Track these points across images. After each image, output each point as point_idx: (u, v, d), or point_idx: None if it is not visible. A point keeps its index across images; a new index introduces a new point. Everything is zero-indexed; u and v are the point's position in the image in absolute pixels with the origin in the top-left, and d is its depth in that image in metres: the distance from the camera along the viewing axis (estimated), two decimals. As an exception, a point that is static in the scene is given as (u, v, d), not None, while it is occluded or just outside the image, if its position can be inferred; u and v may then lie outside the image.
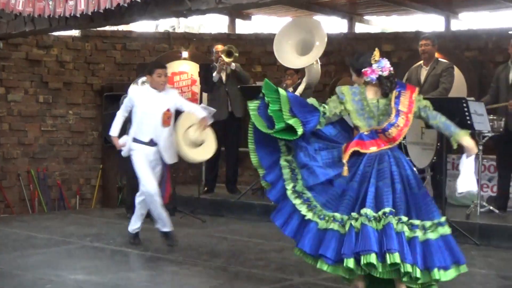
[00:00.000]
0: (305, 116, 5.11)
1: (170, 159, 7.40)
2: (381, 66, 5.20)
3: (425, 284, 4.89)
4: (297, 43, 9.95)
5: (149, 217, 9.36)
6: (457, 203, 9.13)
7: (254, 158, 5.35)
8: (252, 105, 5.29)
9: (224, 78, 10.08)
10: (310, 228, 5.04)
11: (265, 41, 11.36)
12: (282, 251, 7.21)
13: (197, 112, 7.41)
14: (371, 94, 5.23)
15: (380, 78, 5.17)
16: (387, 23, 13.85)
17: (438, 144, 8.35)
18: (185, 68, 11.84)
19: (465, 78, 9.98)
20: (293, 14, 12.37)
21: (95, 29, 11.36)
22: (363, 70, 5.22)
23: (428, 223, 4.90)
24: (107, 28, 11.71)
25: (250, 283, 5.78)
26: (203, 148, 7.50)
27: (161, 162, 7.38)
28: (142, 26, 12.94)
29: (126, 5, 7.68)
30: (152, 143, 7.27)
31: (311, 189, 5.13)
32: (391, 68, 5.23)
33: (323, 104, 5.24)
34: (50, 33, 10.86)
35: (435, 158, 8.49)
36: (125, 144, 7.37)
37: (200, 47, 12.31)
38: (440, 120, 5.20)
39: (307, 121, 5.08)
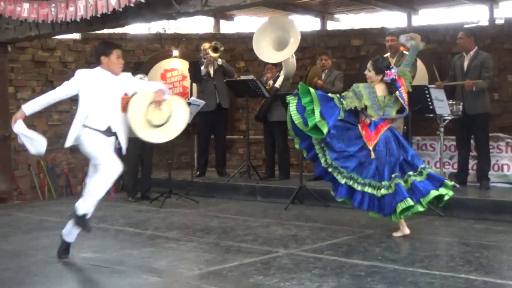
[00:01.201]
0: (329, 116, 6.33)
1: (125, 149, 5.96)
2: (394, 71, 6.49)
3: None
4: (273, 40, 9.95)
5: (146, 198, 9.38)
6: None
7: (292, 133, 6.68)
8: (292, 105, 6.48)
9: (212, 72, 10.06)
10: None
11: (247, 39, 11.30)
12: (268, 227, 7.21)
13: (151, 87, 6.02)
14: (380, 91, 6.47)
15: (392, 79, 6.43)
16: (355, 21, 13.81)
17: (405, 127, 8.35)
18: (176, 65, 11.78)
19: (426, 68, 9.98)
20: (271, 14, 12.31)
21: (93, 32, 11.28)
22: (386, 72, 6.46)
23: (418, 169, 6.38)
24: (105, 31, 11.60)
25: (240, 256, 5.76)
26: (169, 126, 5.96)
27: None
28: (136, 28, 12.85)
29: (121, 9, 7.64)
30: (110, 132, 5.81)
31: (336, 159, 6.42)
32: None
33: (341, 99, 6.43)
34: (53, 37, 10.77)
35: (402, 139, 8.51)
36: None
37: (188, 46, 12.24)
38: (408, 64, 6.94)
39: (330, 120, 6.31)
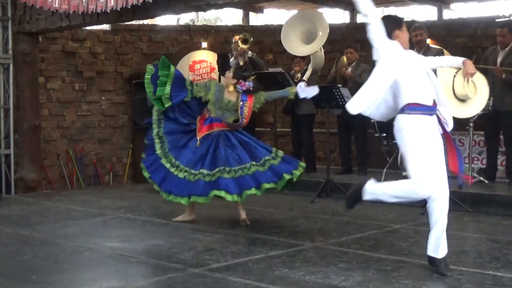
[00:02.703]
0: (176, 94, 6.77)
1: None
2: (250, 85, 6.91)
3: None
4: (302, 33, 9.92)
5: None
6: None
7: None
8: (148, 73, 6.89)
9: (241, 63, 10.03)
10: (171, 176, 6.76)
11: (276, 32, 11.28)
12: (294, 220, 7.22)
13: (452, 61, 5.43)
14: (228, 94, 6.91)
15: (244, 90, 6.87)
16: (385, 14, 13.75)
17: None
18: (205, 57, 11.81)
19: (456, 63, 9.88)
20: (300, 7, 12.29)
21: (123, 23, 11.34)
22: (240, 80, 6.87)
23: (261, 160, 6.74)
24: (134, 22, 11.70)
25: (266, 248, 5.78)
26: (475, 101, 5.88)
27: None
28: (165, 19, 12.91)
29: (151, 1, 7.67)
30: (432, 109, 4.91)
31: (171, 149, 6.88)
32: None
33: (194, 85, 6.94)
34: (83, 28, 10.86)
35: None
36: None
37: (217, 38, 12.26)
38: (270, 97, 7.22)
39: (175, 97, 6.78)
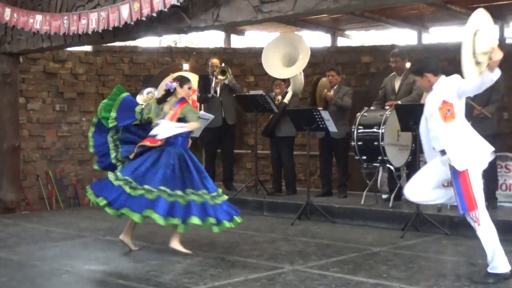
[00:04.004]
0: (121, 117, 6.59)
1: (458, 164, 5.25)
2: (174, 85, 6.55)
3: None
4: (283, 56, 9.98)
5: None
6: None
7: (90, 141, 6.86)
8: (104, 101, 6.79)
9: (218, 90, 10.08)
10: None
11: (257, 54, 11.37)
12: (274, 242, 7.20)
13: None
14: (166, 107, 6.58)
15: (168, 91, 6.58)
16: (366, 37, 13.88)
17: (413, 145, 8.35)
18: (186, 79, 11.81)
19: (435, 86, 9.97)
20: (282, 29, 12.37)
21: (105, 45, 11.35)
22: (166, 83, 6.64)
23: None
24: (116, 43, 11.71)
25: (246, 271, 5.75)
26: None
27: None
28: (147, 41, 12.94)
29: (132, 23, 7.69)
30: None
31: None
32: None
33: (143, 109, 6.65)
34: (65, 49, 10.85)
35: (410, 157, 8.50)
36: None
37: (199, 60, 12.31)
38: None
39: (120, 120, 6.58)
